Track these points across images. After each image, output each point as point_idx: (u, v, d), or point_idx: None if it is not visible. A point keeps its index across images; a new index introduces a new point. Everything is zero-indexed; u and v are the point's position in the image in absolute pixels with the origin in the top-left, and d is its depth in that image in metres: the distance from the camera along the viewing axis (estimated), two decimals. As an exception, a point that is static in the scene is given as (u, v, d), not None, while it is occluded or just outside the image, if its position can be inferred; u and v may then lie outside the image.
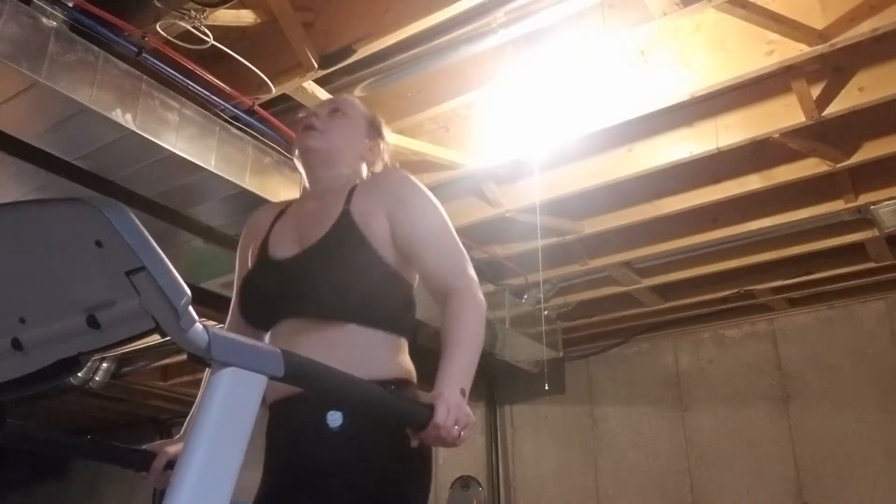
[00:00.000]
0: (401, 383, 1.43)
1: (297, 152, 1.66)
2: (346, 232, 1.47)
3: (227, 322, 1.64)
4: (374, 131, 1.72)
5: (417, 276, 1.56)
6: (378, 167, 1.70)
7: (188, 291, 0.76)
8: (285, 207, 1.67)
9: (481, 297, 1.47)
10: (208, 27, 2.60)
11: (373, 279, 1.45)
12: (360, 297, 1.42)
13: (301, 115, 1.79)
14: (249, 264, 1.59)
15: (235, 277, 1.64)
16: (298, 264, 1.47)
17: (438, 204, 1.55)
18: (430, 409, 1.23)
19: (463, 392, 1.34)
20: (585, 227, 4.02)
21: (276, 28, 2.71)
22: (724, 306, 5.04)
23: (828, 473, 4.68)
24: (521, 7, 2.64)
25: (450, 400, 1.28)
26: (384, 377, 1.38)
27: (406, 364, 1.48)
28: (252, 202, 3.03)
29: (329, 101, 1.78)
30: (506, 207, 3.79)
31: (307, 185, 1.66)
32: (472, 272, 1.49)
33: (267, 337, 1.50)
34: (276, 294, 1.47)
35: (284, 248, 1.53)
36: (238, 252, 1.68)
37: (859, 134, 3.28)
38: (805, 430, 4.83)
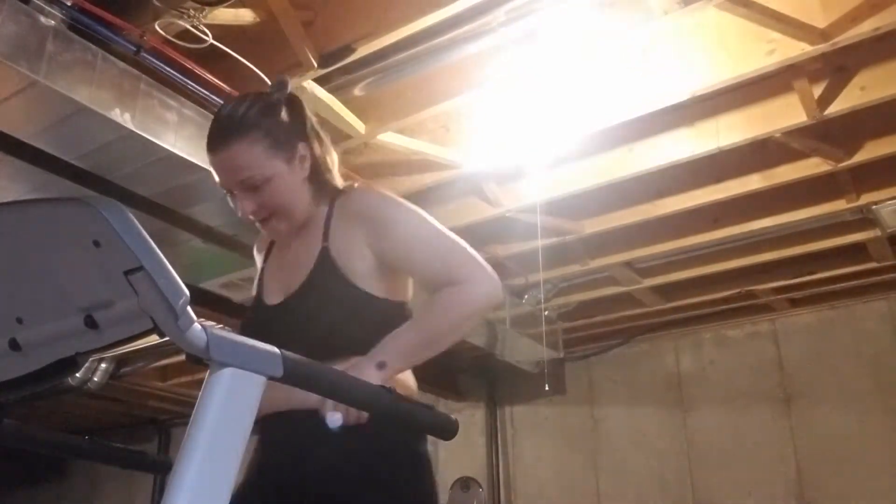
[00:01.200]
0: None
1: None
2: (326, 274, 1.44)
3: None
4: (283, 145, 1.46)
5: (410, 291, 1.53)
6: (312, 154, 1.53)
7: (186, 291, 0.76)
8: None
9: (480, 289, 1.38)
10: (207, 26, 2.59)
11: (359, 316, 1.41)
12: (350, 336, 1.39)
13: (233, 205, 1.49)
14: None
15: None
16: (285, 311, 1.46)
17: (419, 211, 1.47)
18: (431, 408, 1.23)
19: (381, 364, 1.27)
20: (586, 227, 4.01)
21: (276, 27, 2.70)
22: (726, 306, 5.03)
23: (829, 474, 4.67)
24: (521, 6, 2.64)
25: (354, 369, 1.25)
26: None
27: (403, 381, 1.45)
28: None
29: (223, 171, 1.45)
30: (506, 207, 3.78)
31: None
32: (472, 263, 1.40)
33: None
34: (272, 340, 1.47)
35: (272, 292, 1.53)
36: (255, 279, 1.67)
37: (861, 133, 3.27)
38: (806, 430, 4.83)
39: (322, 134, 1.59)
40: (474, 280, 1.38)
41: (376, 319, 1.41)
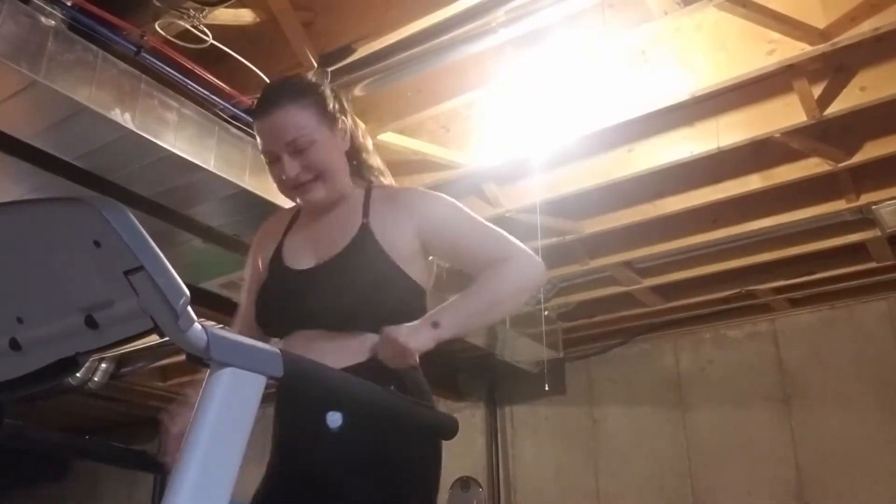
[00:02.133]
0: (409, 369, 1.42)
1: (296, 202, 1.60)
2: (365, 245, 1.48)
3: (234, 325, 1.63)
4: (329, 115, 1.55)
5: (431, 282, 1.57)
6: (352, 132, 1.61)
7: (187, 291, 0.76)
8: (296, 214, 1.65)
9: (528, 263, 1.51)
10: (207, 26, 2.59)
11: (393, 291, 1.45)
12: (379, 309, 1.42)
13: (275, 172, 1.54)
14: (264, 273, 1.59)
15: (247, 284, 1.65)
16: (318, 275, 1.48)
17: (459, 204, 1.59)
18: (430, 408, 1.23)
19: (435, 324, 1.36)
20: (586, 227, 4.01)
21: (276, 27, 2.71)
22: (725, 306, 5.03)
23: (829, 474, 4.67)
24: (521, 6, 2.64)
25: (412, 327, 1.35)
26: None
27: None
28: (252, 202, 3.03)
29: (273, 134, 1.50)
30: (506, 207, 3.78)
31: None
32: (516, 247, 1.52)
33: (281, 344, 1.49)
34: (293, 304, 1.48)
35: (301, 259, 1.54)
36: (249, 258, 1.68)
37: (861, 134, 3.27)
38: (806, 430, 4.82)
39: (360, 123, 1.68)
40: (524, 259, 1.51)
41: (403, 297, 1.47)
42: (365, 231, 1.49)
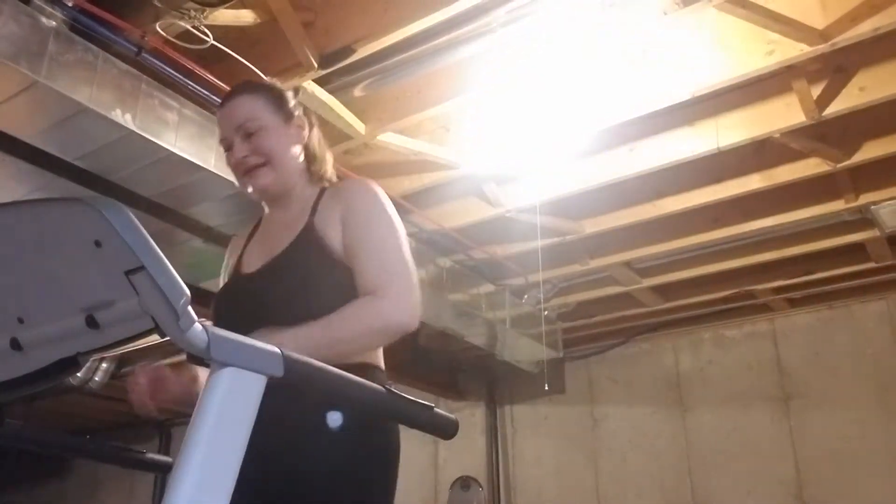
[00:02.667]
0: (366, 367, 1.41)
1: (248, 191, 1.61)
2: (307, 242, 1.48)
3: None
4: (285, 110, 1.60)
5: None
6: (309, 133, 1.63)
7: (187, 291, 0.76)
8: (259, 221, 1.70)
9: (396, 309, 1.37)
10: (208, 27, 2.59)
11: (335, 285, 1.43)
12: (324, 303, 1.39)
13: (229, 160, 1.59)
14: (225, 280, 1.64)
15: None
16: (262, 277, 1.50)
17: (394, 217, 1.51)
18: (431, 408, 1.23)
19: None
20: (586, 227, 4.02)
21: (276, 28, 2.71)
22: (725, 306, 5.03)
23: (828, 474, 4.67)
24: (521, 6, 2.64)
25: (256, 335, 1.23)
26: (349, 363, 1.31)
27: (371, 353, 1.47)
28: (252, 202, 3.01)
29: (227, 120, 1.58)
30: (506, 207, 3.79)
31: (266, 208, 1.66)
32: (403, 284, 1.40)
33: None
34: (245, 306, 1.48)
35: (252, 262, 1.56)
36: (222, 270, 1.72)
37: (860, 134, 3.27)
38: (805, 430, 4.83)
39: (321, 133, 1.69)
40: (395, 300, 1.38)
41: (343, 288, 1.43)
42: (308, 229, 1.50)
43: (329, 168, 1.67)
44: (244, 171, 1.56)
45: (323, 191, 1.59)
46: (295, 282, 1.44)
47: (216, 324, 1.49)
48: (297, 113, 1.62)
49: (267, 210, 1.67)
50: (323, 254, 1.46)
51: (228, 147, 1.58)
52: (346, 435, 1.35)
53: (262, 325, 1.38)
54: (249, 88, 1.61)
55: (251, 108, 1.57)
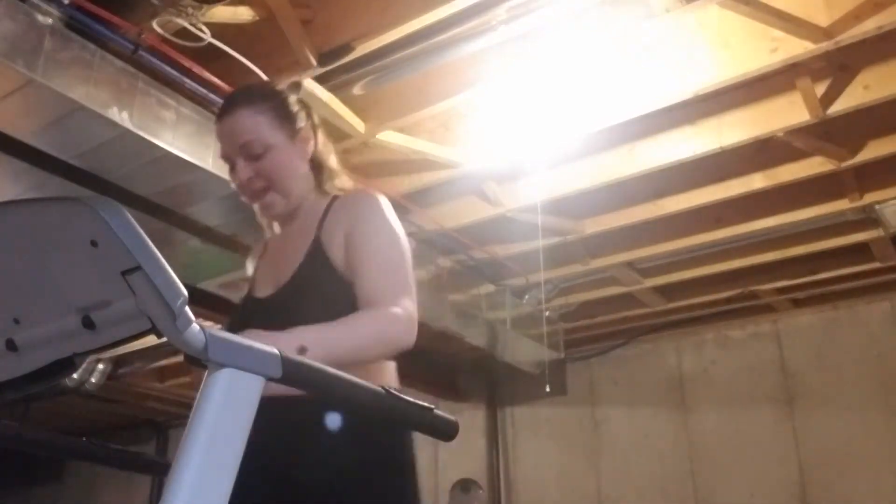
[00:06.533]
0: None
1: (255, 209, 1.57)
2: (316, 264, 1.44)
3: None
4: (287, 121, 1.53)
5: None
6: (315, 143, 1.58)
7: (185, 292, 0.75)
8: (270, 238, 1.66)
9: (399, 330, 1.33)
10: (205, 24, 2.58)
11: (346, 305, 1.38)
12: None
13: (233, 178, 1.52)
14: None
15: None
16: (274, 304, 1.46)
17: (397, 229, 1.47)
18: (431, 409, 1.21)
19: (301, 350, 1.18)
20: (587, 227, 4.00)
21: (274, 25, 2.69)
22: (728, 307, 5.02)
23: (832, 476, 4.66)
24: (521, 4, 2.62)
25: (271, 335, 1.17)
26: None
27: (387, 379, 1.43)
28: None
29: (228, 138, 1.50)
30: (506, 207, 3.77)
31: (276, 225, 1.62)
32: (410, 306, 1.36)
33: None
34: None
35: (263, 286, 1.53)
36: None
37: (864, 132, 3.26)
38: (809, 431, 4.81)
39: (325, 135, 1.63)
40: (393, 317, 1.34)
41: (354, 306, 1.38)
42: (315, 246, 1.46)
43: (337, 176, 1.61)
44: (250, 194, 1.52)
45: (333, 200, 1.54)
46: (305, 308, 1.40)
47: None
48: (301, 125, 1.54)
49: (277, 228, 1.62)
50: (331, 274, 1.43)
51: (231, 165, 1.52)
52: (347, 437, 1.33)
53: None
54: (249, 99, 1.52)
55: (254, 125, 1.48)
